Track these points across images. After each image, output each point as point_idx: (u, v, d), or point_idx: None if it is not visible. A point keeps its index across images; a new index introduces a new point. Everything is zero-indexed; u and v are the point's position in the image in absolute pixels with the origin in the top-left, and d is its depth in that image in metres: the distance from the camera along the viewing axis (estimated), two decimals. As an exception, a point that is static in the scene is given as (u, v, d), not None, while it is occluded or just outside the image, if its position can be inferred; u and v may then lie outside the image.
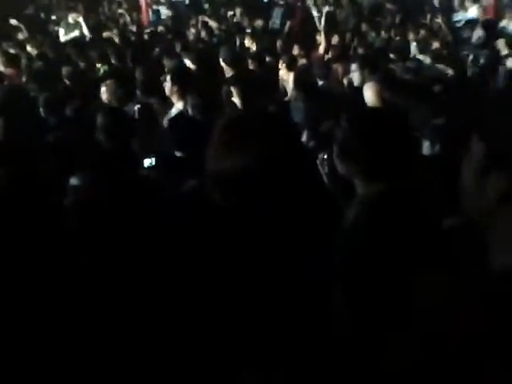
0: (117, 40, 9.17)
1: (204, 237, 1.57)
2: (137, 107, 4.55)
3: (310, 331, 1.54)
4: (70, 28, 10.11)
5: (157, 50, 8.27)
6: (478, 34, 9.06)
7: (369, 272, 1.83)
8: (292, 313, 1.54)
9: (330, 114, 3.75)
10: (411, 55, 7.81)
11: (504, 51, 7.26)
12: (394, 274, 1.78)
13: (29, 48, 8.83)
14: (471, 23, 9.77)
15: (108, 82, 5.49)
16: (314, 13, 9.48)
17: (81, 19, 10.11)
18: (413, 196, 2.04)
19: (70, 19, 10.17)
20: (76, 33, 9.99)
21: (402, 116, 2.07)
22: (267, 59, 7.14)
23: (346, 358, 1.64)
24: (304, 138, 3.98)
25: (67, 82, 6.32)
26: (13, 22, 10.63)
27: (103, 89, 5.50)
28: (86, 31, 9.99)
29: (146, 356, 1.42)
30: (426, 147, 3.75)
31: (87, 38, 9.79)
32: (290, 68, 6.25)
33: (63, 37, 10.07)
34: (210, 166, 1.59)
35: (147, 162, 3.71)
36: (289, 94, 5.97)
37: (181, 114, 4.76)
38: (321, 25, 8.41)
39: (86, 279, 1.56)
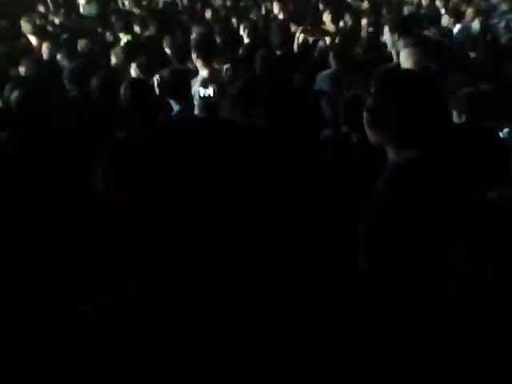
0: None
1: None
2: (156, 79, 4.48)
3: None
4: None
5: (183, 18, 8.20)
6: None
7: (396, 242, 1.79)
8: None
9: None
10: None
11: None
12: (421, 244, 1.76)
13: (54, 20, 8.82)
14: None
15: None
16: None
17: None
18: (445, 165, 1.98)
19: None
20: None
21: (436, 80, 1.99)
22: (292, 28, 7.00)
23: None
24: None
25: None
26: None
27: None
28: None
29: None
30: (454, 117, 3.64)
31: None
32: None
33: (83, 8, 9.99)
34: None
35: (203, 92, 3.78)
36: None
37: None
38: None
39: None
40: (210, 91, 4.14)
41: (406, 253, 1.74)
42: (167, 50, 5.97)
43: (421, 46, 3.60)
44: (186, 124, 3.76)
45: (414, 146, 1.90)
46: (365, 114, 1.96)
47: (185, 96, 4.29)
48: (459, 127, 3.42)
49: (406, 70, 2.74)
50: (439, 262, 1.65)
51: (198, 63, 5.08)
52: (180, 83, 4.32)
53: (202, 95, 4.30)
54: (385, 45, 5.47)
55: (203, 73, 5.00)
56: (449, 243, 1.72)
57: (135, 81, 4.44)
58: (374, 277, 1.75)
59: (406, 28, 4.68)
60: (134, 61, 5.35)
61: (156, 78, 4.45)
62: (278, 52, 5.49)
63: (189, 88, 4.54)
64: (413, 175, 1.87)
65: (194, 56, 5.14)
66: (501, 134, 3.23)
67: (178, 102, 4.20)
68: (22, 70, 5.46)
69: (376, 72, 1.91)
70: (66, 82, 4.87)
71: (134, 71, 5.36)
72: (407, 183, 1.85)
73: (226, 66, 4.97)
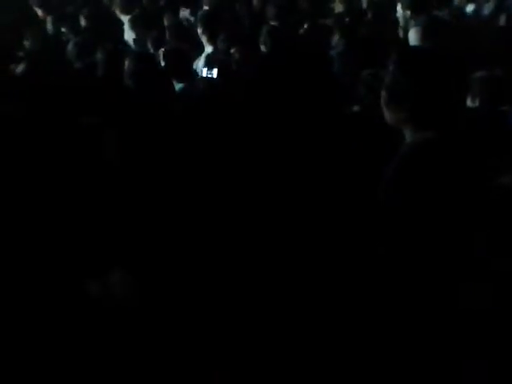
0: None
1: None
2: (162, 51, 4.42)
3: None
4: None
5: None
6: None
7: (411, 225, 1.74)
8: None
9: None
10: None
11: None
12: (435, 227, 1.71)
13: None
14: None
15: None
16: None
17: None
18: (460, 147, 1.93)
19: None
20: None
21: (457, 60, 1.92)
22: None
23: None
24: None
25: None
26: None
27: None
28: None
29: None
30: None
31: None
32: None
33: None
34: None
35: (206, 72, 3.74)
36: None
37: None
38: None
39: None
40: (214, 72, 4.04)
41: (422, 234, 1.69)
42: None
43: (428, 26, 3.52)
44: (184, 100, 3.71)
45: (431, 127, 1.85)
46: (382, 92, 1.90)
47: (184, 74, 4.21)
48: (472, 111, 3.36)
49: (427, 49, 2.67)
50: (454, 242, 1.61)
51: (204, 39, 5.00)
52: (178, 61, 4.24)
53: (205, 76, 4.21)
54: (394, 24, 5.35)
55: (208, 49, 4.91)
56: (465, 227, 1.68)
57: (140, 54, 4.37)
58: (391, 263, 1.71)
59: (418, 6, 4.58)
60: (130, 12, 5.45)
61: (162, 51, 4.37)
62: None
63: (188, 66, 4.45)
64: (429, 156, 1.82)
65: (199, 31, 5.05)
66: (515, 120, 3.17)
67: (178, 80, 4.12)
68: (26, 43, 5.41)
69: (395, 49, 1.85)
70: (70, 56, 4.79)
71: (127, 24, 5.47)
72: (424, 164, 1.80)
73: (232, 50, 4.86)
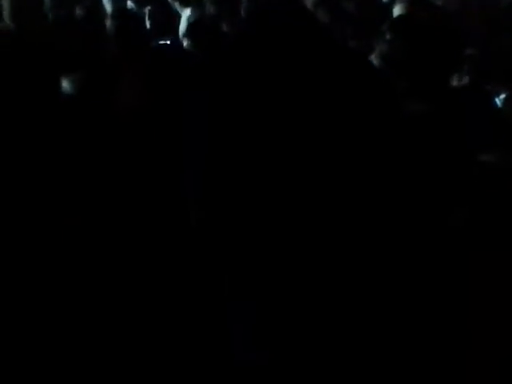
0: None
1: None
2: (147, 10, 4.30)
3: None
4: None
5: None
6: None
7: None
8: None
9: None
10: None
11: None
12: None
13: None
14: None
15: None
16: None
17: None
18: (449, 122, 1.94)
19: None
20: None
21: (456, 34, 1.92)
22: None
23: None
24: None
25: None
26: None
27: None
28: None
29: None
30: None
31: None
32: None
33: None
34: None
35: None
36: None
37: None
38: None
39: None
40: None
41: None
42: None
43: (418, 5, 3.50)
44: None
45: (424, 99, 1.85)
46: (376, 61, 1.88)
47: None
48: (456, 88, 3.37)
49: (428, 19, 2.66)
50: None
51: (177, 5, 4.82)
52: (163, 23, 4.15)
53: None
54: None
55: (187, 11, 4.74)
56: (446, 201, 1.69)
57: (121, 11, 4.24)
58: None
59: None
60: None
61: (147, 10, 4.25)
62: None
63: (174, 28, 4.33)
64: (420, 129, 1.82)
65: None
66: (497, 100, 3.19)
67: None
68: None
69: (393, 18, 1.83)
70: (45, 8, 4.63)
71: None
72: (414, 136, 1.79)
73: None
